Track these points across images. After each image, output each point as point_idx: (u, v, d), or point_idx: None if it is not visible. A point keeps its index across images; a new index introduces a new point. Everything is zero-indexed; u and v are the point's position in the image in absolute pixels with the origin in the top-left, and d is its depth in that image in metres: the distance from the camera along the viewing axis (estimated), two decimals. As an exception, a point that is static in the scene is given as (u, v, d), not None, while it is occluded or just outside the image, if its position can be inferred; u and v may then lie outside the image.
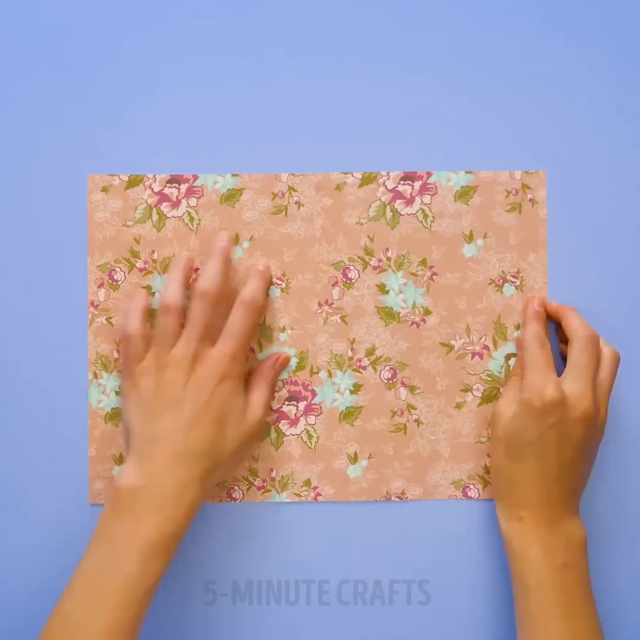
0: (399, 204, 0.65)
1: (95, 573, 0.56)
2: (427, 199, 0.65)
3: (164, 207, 0.65)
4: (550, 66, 0.65)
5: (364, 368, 0.65)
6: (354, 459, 0.65)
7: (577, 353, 0.61)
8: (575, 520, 0.61)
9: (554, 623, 0.58)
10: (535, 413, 0.59)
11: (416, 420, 0.65)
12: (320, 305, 0.66)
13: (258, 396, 0.63)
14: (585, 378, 0.60)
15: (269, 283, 0.65)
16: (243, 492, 0.65)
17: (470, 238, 0.65)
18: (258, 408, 0.62)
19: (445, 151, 0.65)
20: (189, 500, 0.58)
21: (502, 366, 0.65)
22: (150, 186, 0.65)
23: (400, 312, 0.65)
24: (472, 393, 0.65)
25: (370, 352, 0.65)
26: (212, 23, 0.65)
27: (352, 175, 0.65)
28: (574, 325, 0.62)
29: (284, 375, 0.65)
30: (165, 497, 0.57)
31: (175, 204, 0.65)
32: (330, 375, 0.65)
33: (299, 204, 0.65)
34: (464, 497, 0.65)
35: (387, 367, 0.65)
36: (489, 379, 0.65)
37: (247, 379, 0.64)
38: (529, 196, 0.65)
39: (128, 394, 0.61)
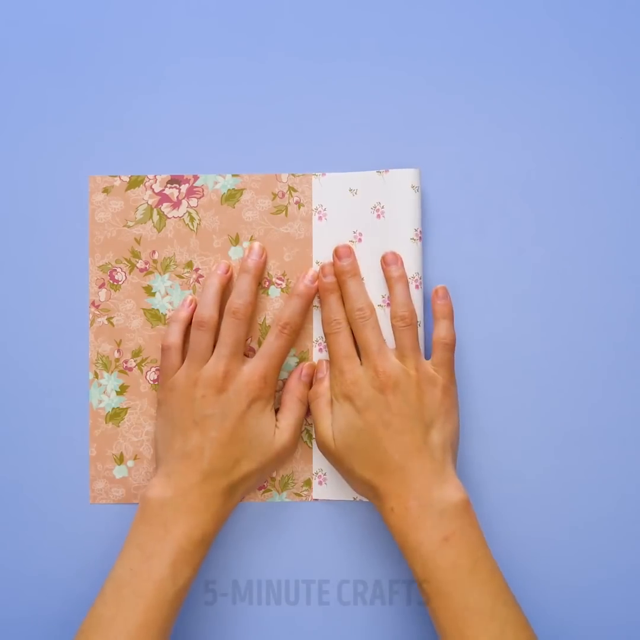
0: (165, 207, 0.65)
1: (126, 578, 0.58)
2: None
3: (165, 207, 0.65)
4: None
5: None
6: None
7: (360, 333, 0.62)
8: (448, 486, 0.59)
9: (449, 603, 0.56)
10: (345, 404, 0.61)
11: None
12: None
13: (286, 416, 0.63)
14: (377, 352, 0.61)
15: (312, 302, 0.65)
16: (243, 492, 0.65)
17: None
18: (286, 431, 0.63)
19: (442, 148, 0.65)
20: (214, 509, 0.60)
21: None
22: (150, 187, 0.65)
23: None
24: None
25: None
26: (212, 24, 0.65)
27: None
28: (390, 302, 0.63)
29: (283, 375, 0.65)
30: (192, 507, 0.59)
31: (176, 205, 0.65)
32: None
33: (299, 204, 0.65)
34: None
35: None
36: None
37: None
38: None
39: (159, 406, 0.63)
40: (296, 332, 0.64)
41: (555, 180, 0.65)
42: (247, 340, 0.64)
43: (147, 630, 0.56)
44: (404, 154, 0.65)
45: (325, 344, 0.65)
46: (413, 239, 0.64)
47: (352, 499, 0.64)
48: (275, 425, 0.62)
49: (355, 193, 0.65)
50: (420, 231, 0.64)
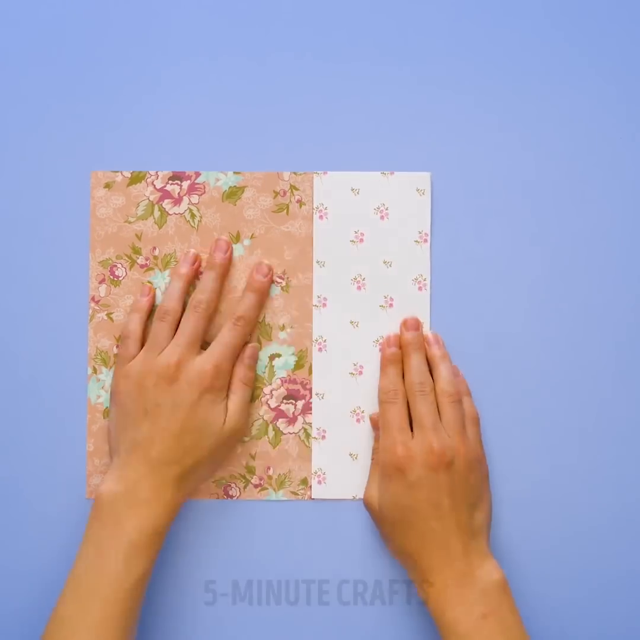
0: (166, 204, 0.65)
1: (82, 576, 0.58)
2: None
3: (166, 204, 0.65)
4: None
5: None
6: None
7: (418, 406, 0.62)
8: (487, 564, 0.60)
9: None
10: (395, 476, 0.60)
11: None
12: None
13: (233, 400, 0.63)
14: (432, 428, 0.61)
15: (267, 296, 0.65)
16: (240, 489, 0.65)
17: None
18: (235, 414, 0.62)
19: (449, 149, 0.65)
20: (166, 500, 0.60)
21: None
22: (152, 183, 0.65)
23: None
24: None
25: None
26: (214, 21, 0.65)
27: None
28: (435, 380, 0.63)
29: (282, 374, 0.65)
30: (142, 500, 0.59)
31: (177, 201, 0.65)
32: None
33: (300, 202, 0.65)
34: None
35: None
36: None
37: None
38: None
39: (113, 395, 0.63)
40: (250, 324, 0.64)
41: (563, 184, 0.65)
42: (205, 334, 0.63)
43: (107, 625, 0.57)
44: (408, 155, 0.65)
45: (325, 342, 0.65)
46: (417, 241, 0.65)
47: (351, 498, 0.64)
48: (226, 411, 0.62)
49: (357, 193, 0.65)
50: (426, 234, 0.65)
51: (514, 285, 0.65)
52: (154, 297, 0.65)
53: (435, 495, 0.59)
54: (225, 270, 0.65)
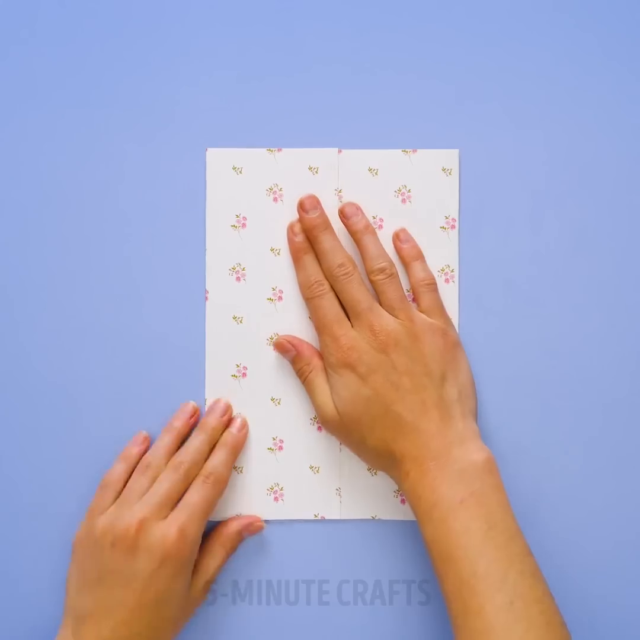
0: None
1: None
2: None
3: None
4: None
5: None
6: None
7: (346, 291, 0.58)
8: (469, 444, 0.54)
9: (456, 570, 0.52)
10: (345, 373, 0.56)
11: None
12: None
13: (205, 570, 0.59)
14: (369, 310, 0.56)
15: (239, 451, 0.61)
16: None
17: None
18: (201, 590, 0.59)
19: (473, 126, 0.62)
20: None
21: None
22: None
23: None
24: None
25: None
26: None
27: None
28: (362, 258, 0.59)
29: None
30: None
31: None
32: None
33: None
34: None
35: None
36: None
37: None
38: None
39: (74, 550, 0.58)
40: (222, 482, 0.59)
41: (610, 164, 0.63)
42: (179, 498, 0.58)
43: None
44: (432, 132, 0.61)
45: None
46: (443, 227, 0.61)
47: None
48: (191, 583, 0.58)
49: (376, 173, 0.61)
50: (453, 219, 0.61)
51: (550, 276, 0.63)
52: (146, 447, 0.60)
53: (393, 376, 0.55)
54: (216, 435, 0.60)
